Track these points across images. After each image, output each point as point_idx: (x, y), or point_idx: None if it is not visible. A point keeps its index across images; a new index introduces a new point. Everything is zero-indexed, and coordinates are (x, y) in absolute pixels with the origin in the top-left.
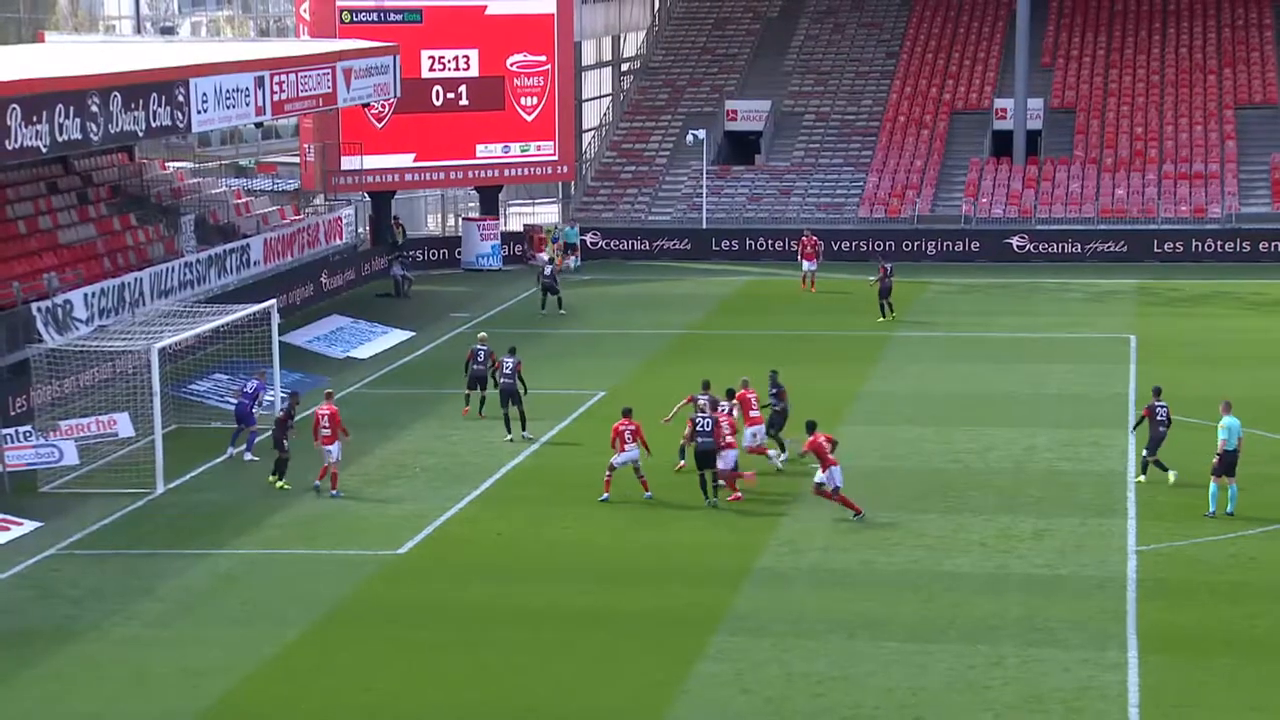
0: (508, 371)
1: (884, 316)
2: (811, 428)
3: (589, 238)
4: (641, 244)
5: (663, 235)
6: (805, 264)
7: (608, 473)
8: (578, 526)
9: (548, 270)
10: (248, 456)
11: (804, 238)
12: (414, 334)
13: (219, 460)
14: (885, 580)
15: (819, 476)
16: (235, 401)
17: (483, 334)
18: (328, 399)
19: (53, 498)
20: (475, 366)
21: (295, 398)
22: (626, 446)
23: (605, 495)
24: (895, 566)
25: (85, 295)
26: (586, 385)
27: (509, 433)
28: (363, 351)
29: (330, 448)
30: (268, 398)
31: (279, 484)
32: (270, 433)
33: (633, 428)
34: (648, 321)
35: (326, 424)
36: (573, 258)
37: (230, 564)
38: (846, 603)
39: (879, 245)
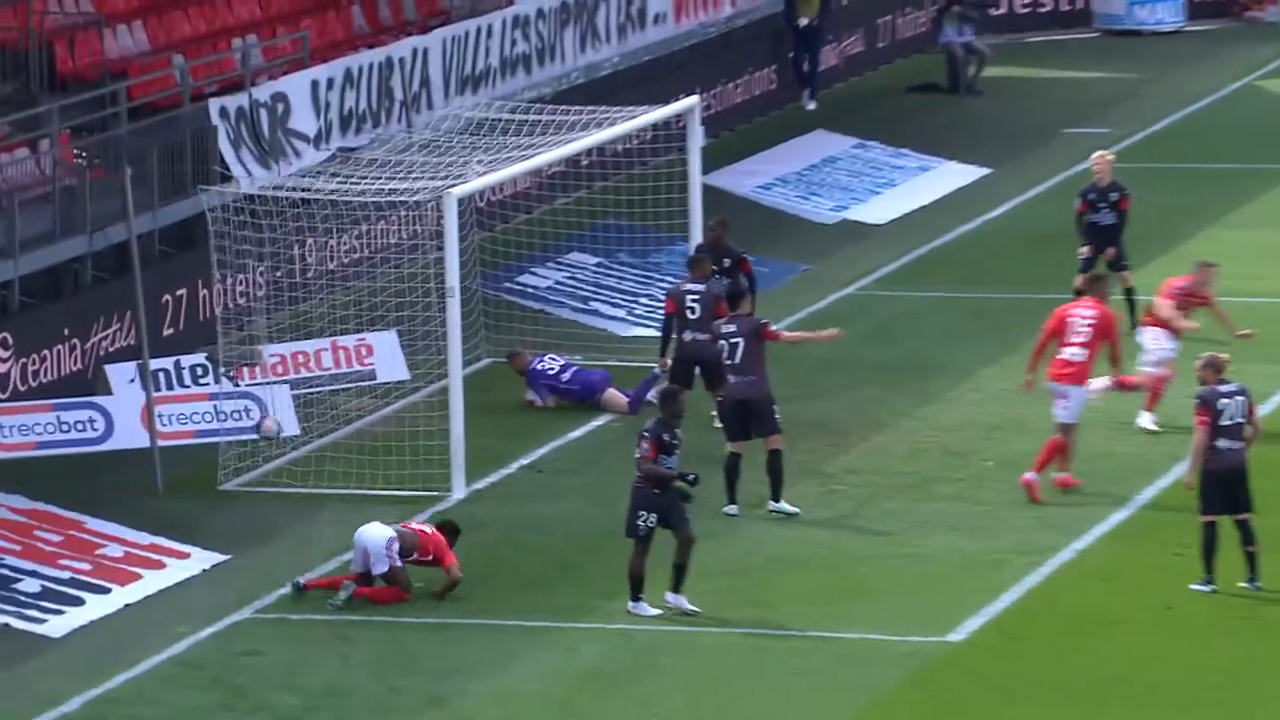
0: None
1: None
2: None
3: None
4: None
5: None
6: None
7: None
8: None
9: None
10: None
11: None
12: (989, 171)
13: (566, 444)
14: None
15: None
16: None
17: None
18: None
19: (245, 503)
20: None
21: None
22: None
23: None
24: None
25: (313, 84)
26: None
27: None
28: (875, 209)
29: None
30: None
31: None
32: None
33: None
34: None
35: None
36: None
37: (600, 649)
38: None
39: None
